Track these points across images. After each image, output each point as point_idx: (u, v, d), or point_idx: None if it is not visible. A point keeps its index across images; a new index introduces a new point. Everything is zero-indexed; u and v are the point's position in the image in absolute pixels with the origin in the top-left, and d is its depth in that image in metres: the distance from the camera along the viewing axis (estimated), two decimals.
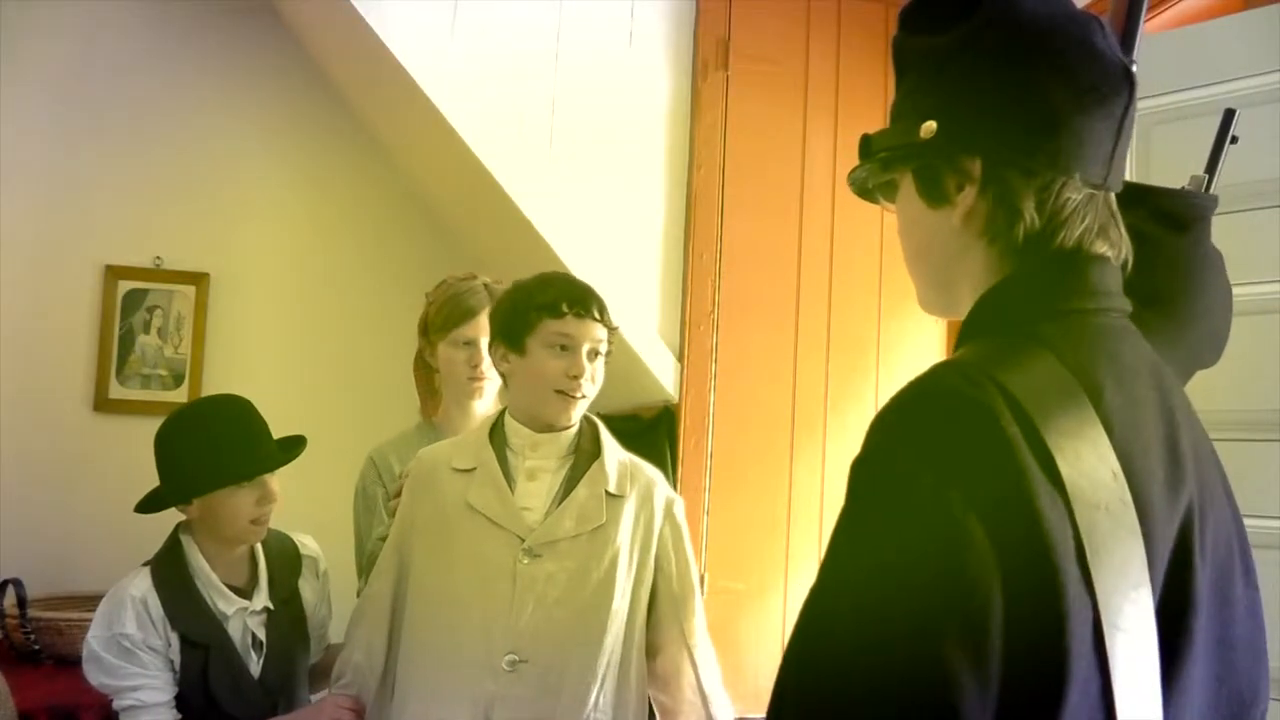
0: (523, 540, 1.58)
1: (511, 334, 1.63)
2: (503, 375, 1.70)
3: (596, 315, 1.62)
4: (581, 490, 1.62)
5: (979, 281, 0.82)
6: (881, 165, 0.88)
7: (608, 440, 1.69)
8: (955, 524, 0.64)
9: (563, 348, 1.60)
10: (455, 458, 1.67)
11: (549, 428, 1.64)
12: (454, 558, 1.61)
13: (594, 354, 1.63)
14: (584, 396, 1.62)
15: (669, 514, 1.68)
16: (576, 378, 1.59)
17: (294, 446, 1.82)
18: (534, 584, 1.57)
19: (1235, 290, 1.14)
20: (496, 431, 1.67)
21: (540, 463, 1.64)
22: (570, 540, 1.59)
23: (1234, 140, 1.20)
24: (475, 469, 1.64)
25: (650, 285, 2.61)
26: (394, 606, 1.66)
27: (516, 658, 1.55)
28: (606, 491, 1.62)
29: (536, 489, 1.62)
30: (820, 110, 2.73)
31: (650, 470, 1.72)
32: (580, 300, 1.62)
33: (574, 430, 1.66)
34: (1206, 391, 1.21)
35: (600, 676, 1.58)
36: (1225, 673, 0.72)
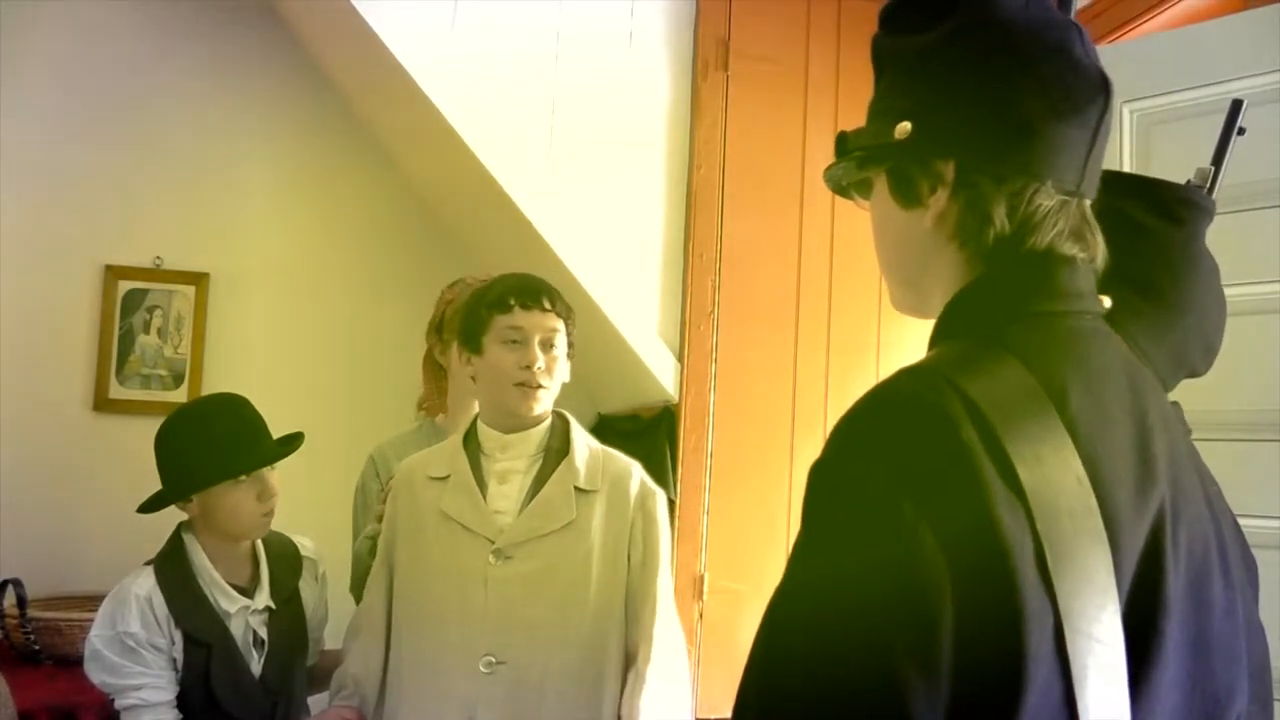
0: (493, 543, 1.59)
1: (469, 336, 1.66)
2: (471, 379, 1.71)
3: (546, 305, 1.64)
4: (549, 488, 1.62)
5: (949, 283, 0.82)
6: (857, 164, 0.89)
7: (578, 436, 1.69)
8: (905, 530, 0.64)
9: (514, 341, 1.62)
10: (431, 466, 1.69)
11: (517, 426, 1.65)
12: (430, 565, 1.63)
13: (548, 344, 1.64)
14: (543, 386, 1.63)
15: (641, 506, 1.66)
16: (529, 367, 1.60)
17: (291, 442, 1.83)
18: (505, 585, 1.58)
19: (1235, 290, 1.14)
20: (470, 437, 1.69)
21: (510, 464, 1.64)
22: (540, 539, 1.59)
23: (1241, 131, 1.19)
24: (449, 476, 1.65)
25: (650, 285, 2.61)
26: (387, 617, 1.67)
27: (494, 659, 1.56)
28: (576, 487, 1.62)
29: (508, 491, 1.63)
30: (820, 110, 2.73)
31: (624, 462, 1.71)
32: (526, 292, 1.64)
33: (544, 428, 1.67)
34: (1207, 392, 1.21)
35: (581, 673, 1.58)
36: (1200, 674, 0.72)
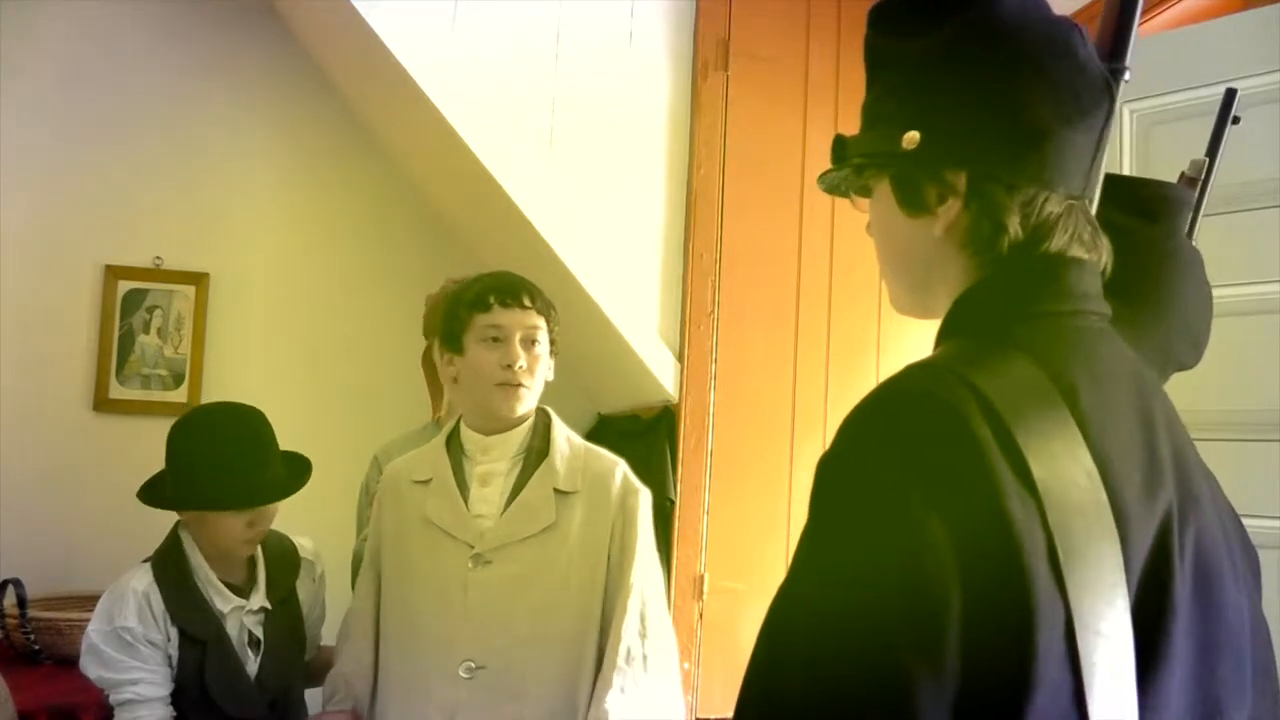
0: (472, 548, 1.57)
1: (450, 336, 1.64)
2: (453, 380, 1.68)
3: (526, 303, 1.62)
4: (529, 492, 1.60)
5: (956, 286, 0.81)
6: (857, 171, 0.87)
7: (558, 435, 1.66)
8: (914, 524, 0.63)
9: (495, 339, 1.60)
10: (414, 470, 1.68)
11: (499, 427, 1.63)
12: (413, 570, 1.62)
13: (529, 341, 1.61)
14: (525, 385, 1.60)
15: (622, 506, 1.62)
16: (510, 366, 1.58)
17: (299, 475, 1.80)
18: (485, 590, 1.56)
19: (1235, 290, 1.14)
20: (453, 440, 1.67)
21: (492, 466, 1.63)
22: (520, 544, 1.58)
23: (1236, 120, 1.19)
24: (431, 480, 1.64)
25: (650, 285, 2.61)
26: (376, 619, 1.67)
27: (474, 664, 1.54)
28: (556, 489, 1.60)
29: (489, 494, 1.62)
30: (820, 110, 2.73)
31: (606, 460, 1.67)
32: (506, 290, 1.61)
33: (526, 428, 1.65)
34: (1207, 392, 1.21)
35: (563, 677, 1.56)
36: (1206, 677, 0.71)
